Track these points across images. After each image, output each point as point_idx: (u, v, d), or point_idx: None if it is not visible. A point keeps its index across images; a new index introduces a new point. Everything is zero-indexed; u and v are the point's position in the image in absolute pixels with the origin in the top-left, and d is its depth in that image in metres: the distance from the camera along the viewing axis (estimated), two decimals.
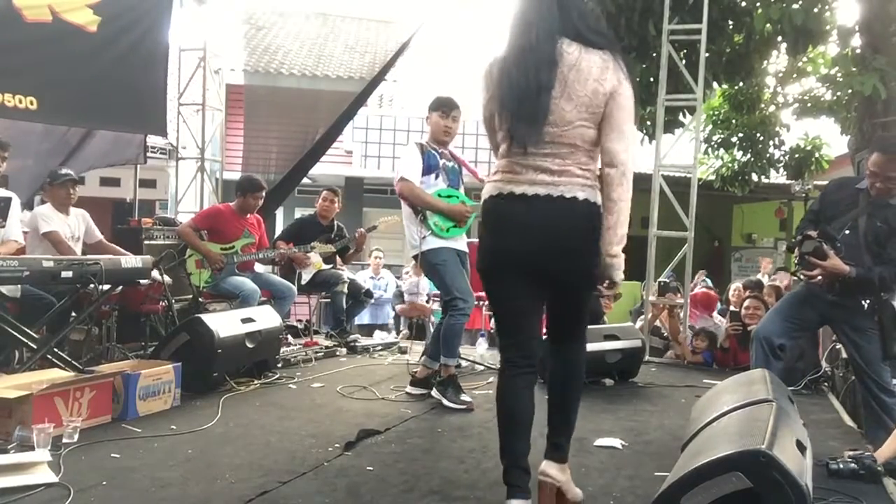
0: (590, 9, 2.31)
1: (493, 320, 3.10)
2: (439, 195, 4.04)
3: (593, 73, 2.11)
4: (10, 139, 4.66)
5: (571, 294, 2.35)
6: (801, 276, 3.52)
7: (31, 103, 5.21)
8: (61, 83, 5.45)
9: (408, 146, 4.23)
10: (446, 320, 4.05)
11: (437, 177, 4.09)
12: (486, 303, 6.34)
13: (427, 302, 8.25)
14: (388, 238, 6.50)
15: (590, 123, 2.15)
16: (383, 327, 9.03)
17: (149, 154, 7.57)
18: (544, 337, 2.50)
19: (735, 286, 7.67)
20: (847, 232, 3.37)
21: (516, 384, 2.28)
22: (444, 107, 4.14)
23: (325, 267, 5.95)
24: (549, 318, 2.44)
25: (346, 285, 5.94)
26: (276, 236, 6.33)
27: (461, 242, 4.16)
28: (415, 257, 4.17)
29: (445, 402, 3.91)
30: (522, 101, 2.12)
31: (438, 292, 5.47)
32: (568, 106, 2.12)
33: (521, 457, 2.24)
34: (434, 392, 4.03)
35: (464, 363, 5.12)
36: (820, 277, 3.36)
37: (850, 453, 2.88)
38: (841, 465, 2.79)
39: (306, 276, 5.90)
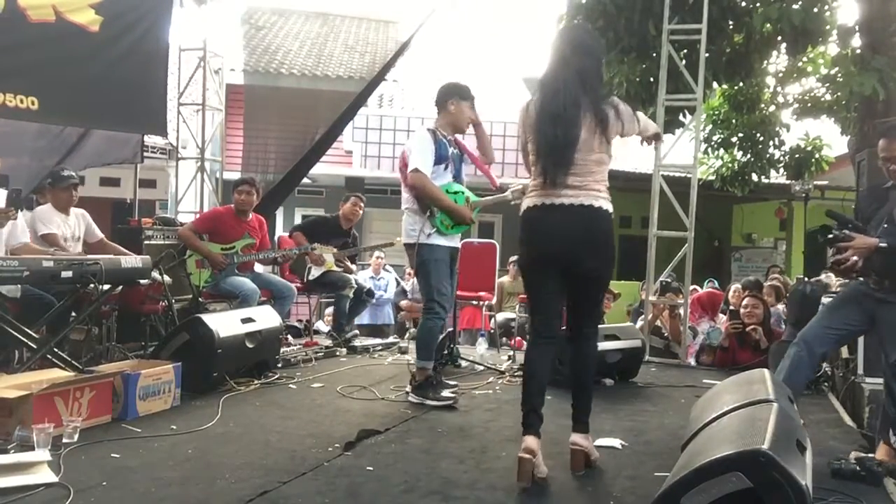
0: (597, 71, 2.96)
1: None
2: (447, 191, 3.99)
3: (612, 121, 2.85)
4: (4, 136, 4.67)
5: (588, 282, 2.93)
6: (834, 263, 3.35)
7: (33, 103, 5.21)
8: (62, 83, 5.45)
9: (419, 133, 4.09)
10: (421, 322, 4.04)
11: (446, 167, 4.04)
12: (486, 303, 6.35)
13: None
14: (388, 238, 6.51)
15: (604, 152, 2.87)
16: (383, 328, 9.03)
17: (149, 154, 7.57)
18: None
19: (735, 287, 7.67)
20: (885, 226, 3.30)
21: (539, 351, 2.95)
22: (471, 98, 4.11)
23: (335, 269, 5.96)
24: (568, 311, 3.00)
25: (352, 290, 5.94)
26: (293, 226, 6.36)
27: (456, 240, 4.16)
28: (408, 245, 4.07)
29: (429, 402, 3.90)
30: (555, 152, 2.82)
31: None
32: (596, 142, 2.83)
33: (538, 405, 2.86)
34: (412, 396, 3.99)
35: (464, 363, 5.13)
36: (855, 258, 3.20)
37: (855, 455, 2.87)
38: (842, 465, 2.79)
39: (315, 273, 5.90)
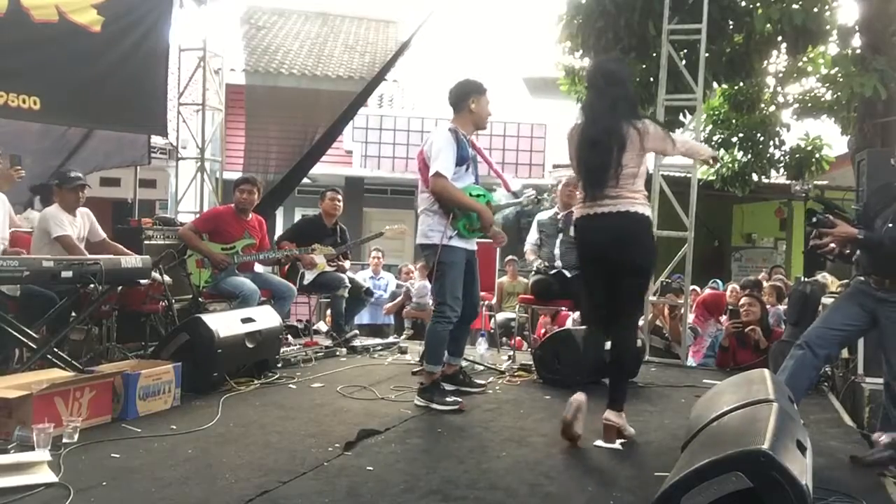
0: (626, 97, 3.39)
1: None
2: (469, 194, 3.94)
3: (640, 142, 3.28)
4: (6, 137, 4.65)
5: (626, 276, 3.32)
6: (814, 247, 3.48)
7: (35, 103, 5.22)
8: (64, 83, 5.45)
9: (441, 133, 3.94)
10: (431, 325, 4.01)
11: (467, 168, 3.99)
12: (486, 303, 6.35)
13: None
14: (388, 238, 6.52)
15: (635, 166, 3.30)
16: (383, 328, 9.03)
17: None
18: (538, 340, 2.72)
19: (732, 286, 7.67)
20: (890, 225, 3.32)
21: (591, 337, 3.60)
22: (486, 90, 4.07)
23: (328, 269, 5.95)
24: (608, 306, 3.41)
25: (347, 290, 5.93)
26: (279, 235, 6.34)
27: (473, 242, 4.13)
28: (424, 246, 4.03)
29: (434, 406, 3.87)
30: (591, 175, 3.33)
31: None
32: (628, 157, 3.27)
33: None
34: (417, 400, 3.96)
35: (464, 363, 5.12)
36: (833, 245, 3.36)
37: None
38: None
39: (309, 277, 5.90)
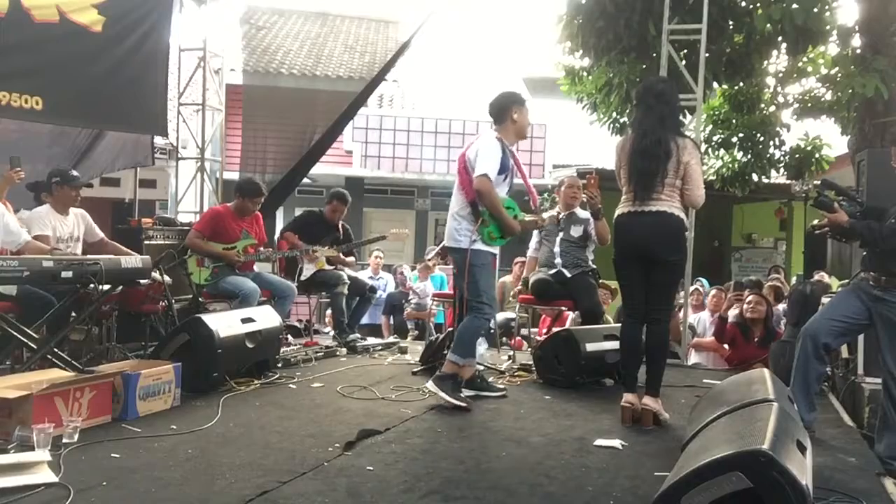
0: (673, 114, 3.78)
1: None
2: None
3: (678, 153, 3.63)
4: (18, 142, 4.65)
5: (660, 271, 3.68)
6: (813, 227, 3.73)
7: (37, 103, 5.22)
8: (66, 83, 5.45)
9: (489, 140, 4.04)
10: (468, 320, 4.05)
11: (505, 178, 4.05)
12: None
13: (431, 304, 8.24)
14: (389, 241, 6.52)
15: (674, 177, 3.65)
16: (381, 328, 9.04)
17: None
18: (539, 338, 2.72)
19: (728, 286, 7.70)
20: (893, 220, 3.40)
21: (630, 328, 3.81)
22: (525, 101, 4.14)
23: (327, 267, 5.95)
24: (646, 298, 3.72)
25: (346, 286, 5.92)
26: (283, 227, 6.35)
27: (496, 247, 4.17)
28: (452, 249, 4.10)
29: (441, 394, 3.87)
30: (642, 180, 3.65)
31: (440, 290, 5.38)
32: (671, 166, 3.62)
33: (633, 369, 3.80)
34: (430, 383, 3.98)
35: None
36: (827, 228, 3.55)
37: None
38: None
39: (307, 273, 5.89)
